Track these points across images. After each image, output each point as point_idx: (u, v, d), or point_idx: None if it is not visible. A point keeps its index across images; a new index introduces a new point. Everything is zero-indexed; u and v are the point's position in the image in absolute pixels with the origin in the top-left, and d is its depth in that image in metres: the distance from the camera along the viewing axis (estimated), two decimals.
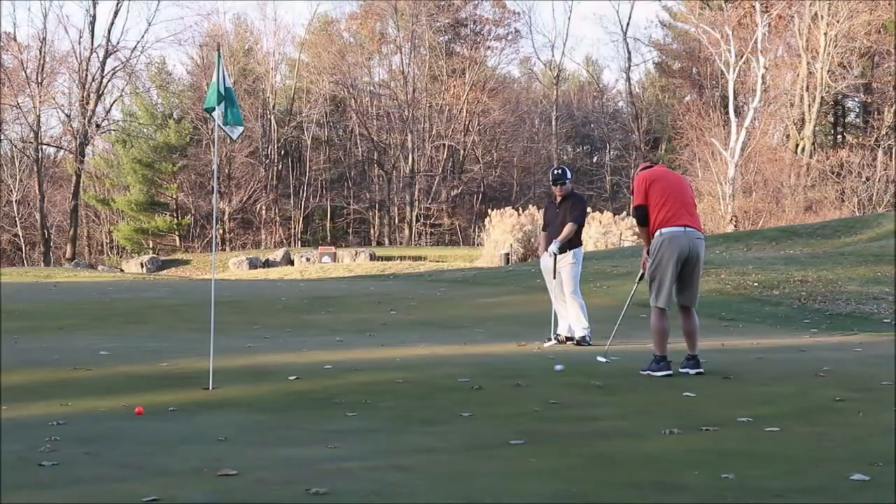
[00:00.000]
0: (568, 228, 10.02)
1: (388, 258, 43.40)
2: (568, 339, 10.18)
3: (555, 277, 10.19)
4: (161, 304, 15.80)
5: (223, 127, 7.25)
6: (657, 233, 7.58)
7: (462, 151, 62.26)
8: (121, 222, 57.86)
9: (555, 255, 10.07)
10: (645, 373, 7.50)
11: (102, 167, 58.73)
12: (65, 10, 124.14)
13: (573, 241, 10.13)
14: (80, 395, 6.61)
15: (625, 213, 41.13)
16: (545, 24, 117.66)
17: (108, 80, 54.65)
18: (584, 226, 10.45)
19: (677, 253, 7.49)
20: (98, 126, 55.69)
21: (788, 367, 7.88)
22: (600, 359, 8.31)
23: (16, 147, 55.31)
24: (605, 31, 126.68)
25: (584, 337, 10.03)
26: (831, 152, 47.24)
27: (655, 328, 7.57)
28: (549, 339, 10.24)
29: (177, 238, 58.12)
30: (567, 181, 10.20)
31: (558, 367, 7.77)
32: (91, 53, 53.19)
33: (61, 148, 59.58)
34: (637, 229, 7.74)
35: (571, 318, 10.16)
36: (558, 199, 10.27)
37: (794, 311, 13.82)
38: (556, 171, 10.30)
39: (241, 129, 7.47)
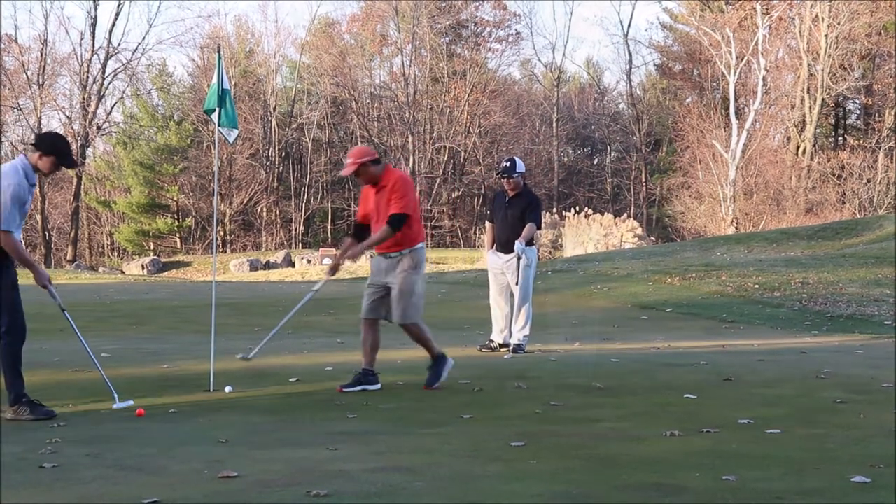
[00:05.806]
0: (529, 229, 9.44)
1: None
2: (502, 346, 9.69)
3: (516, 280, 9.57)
4: (162, 305, 15.81)
5: (220, 129, 7.26)
6: (420, 245, 7.31)
7: (463, 153, 62.23)
8: (122, 224, 57.88)
9: (518, 255, 9.48)
10: (348, 389, 6.85)
11: (103, 169, 58.74)
12: (66, 11, 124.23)
13: (527, 243, 9.55)
14: (81, 397, 6.61)
15: (626, 214, 41.15)
16: (546, 26, 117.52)
17: (110, 82, 54.68)
18: (541, 227, 10.02)
19: None
20: (99, 128, 55.70)
21: (789, 369, 7.87)
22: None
23: (17, 149, 55.35)
24: (605, 32, 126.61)
25: (519, 344, 9.52)
26: (832, 154, 47.19)
27: (376, 342, 7.24)
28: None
29: (178, 240, 58.11)
30: (516, 174, 9.56)
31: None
32: (92, 55, 53.21)
33: None
34: (387, 233, 6.97)
35: (517, 323, 9.60)
36: (510, 193, 9.67)
37: (795, 312, 13.82)
38: (504, 164, 9.75)
39: (236, 132, 7.46)
